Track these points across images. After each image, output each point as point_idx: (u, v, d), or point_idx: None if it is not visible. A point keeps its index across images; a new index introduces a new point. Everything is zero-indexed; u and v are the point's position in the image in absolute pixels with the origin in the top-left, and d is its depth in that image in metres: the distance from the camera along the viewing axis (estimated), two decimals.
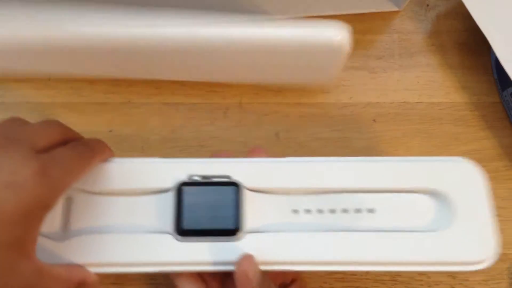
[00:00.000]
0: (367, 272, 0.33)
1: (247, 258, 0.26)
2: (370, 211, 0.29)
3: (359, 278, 0.33)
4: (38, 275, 0.23)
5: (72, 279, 0.25)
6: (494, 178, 0.34)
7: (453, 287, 0.33)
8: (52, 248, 0.27)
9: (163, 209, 0.28)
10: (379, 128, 0.36)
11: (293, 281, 0.30)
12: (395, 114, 0.36)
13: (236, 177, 0.29)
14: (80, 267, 0.26)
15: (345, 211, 0.29)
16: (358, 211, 0.29)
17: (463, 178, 0.29)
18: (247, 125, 0.35)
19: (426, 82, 0.36)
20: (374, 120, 0.36)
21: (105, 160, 0.28)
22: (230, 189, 0.28)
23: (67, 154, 0.24)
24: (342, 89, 0.36)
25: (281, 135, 0.35)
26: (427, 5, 0.38)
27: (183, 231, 0.27)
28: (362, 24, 0.37)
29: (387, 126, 0.36)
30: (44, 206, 0.23)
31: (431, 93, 0.36)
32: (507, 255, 0.33)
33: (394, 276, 0.33)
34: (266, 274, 0.26)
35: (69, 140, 0.26)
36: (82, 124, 0.35)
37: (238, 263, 0.26)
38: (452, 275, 0.33)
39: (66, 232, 0.28)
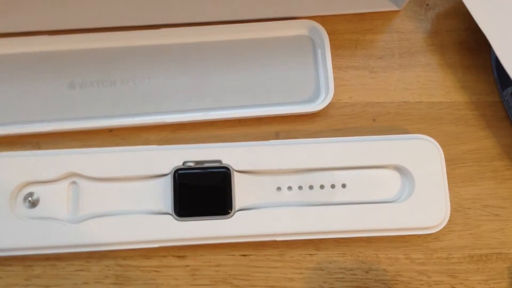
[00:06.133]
0: (367, 272, 0.33)
1: None
2: (343, 186, 0.32)
3: (360, 278, 0.33)
4: None
5: None
6: (494, 178, 0.35)
7: (453, 287, 0.33)
8: (66, 231, 0.30)
9: (163, 193, 0.31)
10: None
11: None
12: (395, 114, 0.36)
13: (226, 161, 0.31)
14: None
15: (322, 187, 0.32)
16: (333, 186, 0.32)
17: (422, 153, 0.32)
18: (247, 124, 0.35)
19: (426, 81, 0.36)
20: (374, 120, 0.36)
21: None
22: (221, 172, 0.31)
23: None
24: (342, 89, 0.36)
25: (281, 135, 0.35)
26: (427, 5, 0.38)
27: (181, 212, 0.31)
28: (362, 24, 0.37)
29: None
30: None
31: (431, 93, 0.36)
32: (507, 255, 0.33)
33: (395, 276, 0.33)
34: None
35: None
36: None
37: None
38: (452, 274, 0.33)
39: (76, 216, 0.31)
